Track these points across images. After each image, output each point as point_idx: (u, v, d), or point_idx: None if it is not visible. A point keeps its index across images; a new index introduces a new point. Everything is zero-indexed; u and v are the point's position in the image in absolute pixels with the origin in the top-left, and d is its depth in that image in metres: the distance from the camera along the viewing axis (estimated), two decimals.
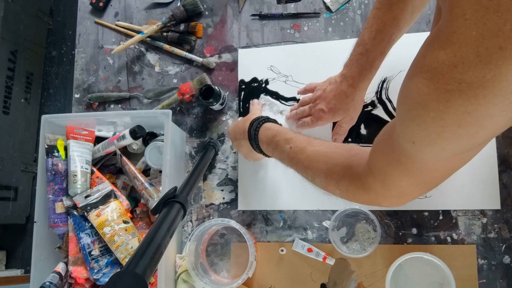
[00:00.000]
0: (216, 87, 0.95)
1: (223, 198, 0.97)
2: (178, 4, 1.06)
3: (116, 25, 1.09)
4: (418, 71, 0.39)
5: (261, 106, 0.96)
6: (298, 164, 0.69)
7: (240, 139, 0.83)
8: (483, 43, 0.33)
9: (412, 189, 0.54)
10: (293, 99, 0.97)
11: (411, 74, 0.41)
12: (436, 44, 0.37)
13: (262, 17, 1.01)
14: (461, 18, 0.34)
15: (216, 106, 0.97)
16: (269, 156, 0.78)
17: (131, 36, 1.07)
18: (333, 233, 0.86)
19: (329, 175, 0.63)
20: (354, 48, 0.78)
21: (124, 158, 0.95)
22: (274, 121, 0.80)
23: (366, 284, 0.87)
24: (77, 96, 1.10)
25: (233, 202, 0.97)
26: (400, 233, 0.88)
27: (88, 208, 0.88)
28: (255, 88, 0.99)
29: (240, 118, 0.97)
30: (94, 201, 0.89)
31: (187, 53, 1.03)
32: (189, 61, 1.04)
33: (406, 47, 0.87)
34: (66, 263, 0.90)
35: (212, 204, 0.98)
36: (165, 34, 1.05)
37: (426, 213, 0.87)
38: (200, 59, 1.02)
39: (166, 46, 1.05)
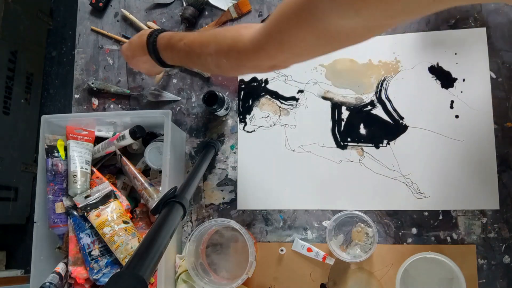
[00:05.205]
0: (220, 93, 0.95)
1: (223, 198, 0.98)
2: (184, 4, 1.05)
3: (124, 15, 1.09)
4: None
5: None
6: (193, 56, 0.68)
7: (139, 55, 0.79)
8: None
9: (309, 50, 0.55)
10: (293, 98, 0.97)
11: None
12: None
13: (262, 16, 1.01)
14: None
15: (221, 112, 0.97)
16: (171, 67, 0.77)
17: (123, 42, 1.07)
18: (331, 243, 0.86)
19: (219, 48, 0.62)
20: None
21: (124, 158, 0.95)
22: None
23: None
24: (77, 96, 1.10)
25: (233, 202, 0.97)
26: (400, 233, 0.88)
27: (88, 208, 0.88)
28: (254, 88, 0.99)
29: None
30: (94, 201, 0.89)
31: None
32: None
33: (407, 48, 0.88)
34: (66, 263, 0.90)
35: (212, 204, 0.98)
36: None
37: (426, 213, 0.87)
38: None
39: None
